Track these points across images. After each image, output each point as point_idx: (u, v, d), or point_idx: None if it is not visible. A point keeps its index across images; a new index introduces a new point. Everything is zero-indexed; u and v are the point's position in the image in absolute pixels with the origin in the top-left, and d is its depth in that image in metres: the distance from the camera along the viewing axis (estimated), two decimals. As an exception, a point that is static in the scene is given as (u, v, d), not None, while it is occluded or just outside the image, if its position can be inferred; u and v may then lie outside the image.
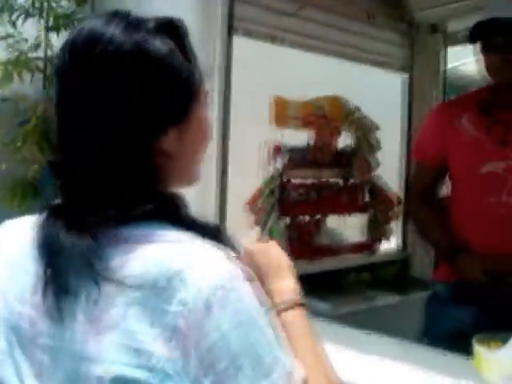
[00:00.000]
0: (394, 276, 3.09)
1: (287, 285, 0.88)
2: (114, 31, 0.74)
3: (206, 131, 0.85)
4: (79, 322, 0.72)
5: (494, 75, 1.84)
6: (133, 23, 0.75)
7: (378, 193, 3.05)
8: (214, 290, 0.69)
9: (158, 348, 0.68)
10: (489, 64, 1.82)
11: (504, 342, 1.23)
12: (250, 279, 0.73)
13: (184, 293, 0.69)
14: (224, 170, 2.32)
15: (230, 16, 2.21)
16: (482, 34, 1.81)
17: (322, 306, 2.51)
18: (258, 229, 2.76)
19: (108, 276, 0.70)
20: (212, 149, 2.33)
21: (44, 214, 0.78)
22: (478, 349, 1.22)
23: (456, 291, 1.92)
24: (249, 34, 2.48)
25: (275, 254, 0.92)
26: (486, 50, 1.83)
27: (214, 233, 0.79)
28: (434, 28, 3.19)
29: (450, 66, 3.53)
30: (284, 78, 3.11)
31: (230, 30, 2.23)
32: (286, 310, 0.85)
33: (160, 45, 0.75)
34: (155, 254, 0.72)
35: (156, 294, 0.69)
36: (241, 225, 2.78)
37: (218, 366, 0.67)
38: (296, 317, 0.85)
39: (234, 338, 0.68)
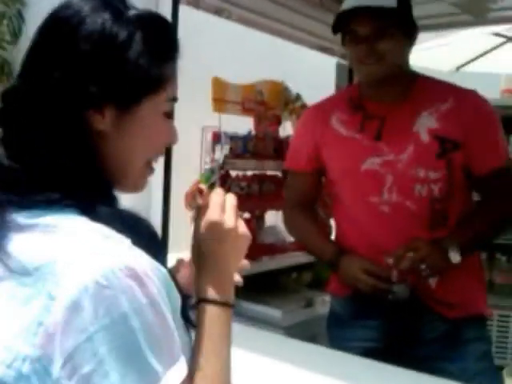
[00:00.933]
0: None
1: (223, 281, 0.84)
2: (84, 7, 0.78)
3: (155, 135, 0.83)
4: None
5: (357, 69, 1.71)
6: (106, 4, 0.79)
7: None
8: (86, 285, 0.65)
9: (20, 344, 0.66)
10: (352, 57, 1.69)
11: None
12: (134, 277, 0.67)
13: (53, 286, 0.66)
14: (168, 161, 2.00)
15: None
16: (344, 25, 1.65)
17: (271, 312, 2.27)
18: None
19: None
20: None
21: None
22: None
23: (350, 305, 1.77)
24: (195, 4, 2.17)
25: (238, 251, 0.87)
26: (347, 42, 1.68)
27: (136, 227, 0.77)
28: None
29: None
30: (226, 56, 2.84)
31: (177, -2, 1.90)
32: (211, 304, 0.82)
33: (119, 29, 0.78)
34: (39, 242, 0.70)
35: (28, 284, 0.68)
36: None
37: (82, 370, 0.64)
38: (217, 316, 0.82)
39: (102, 341, 0.64)
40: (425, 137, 1.66)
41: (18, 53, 3.09)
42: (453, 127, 1.64)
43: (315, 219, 1.93)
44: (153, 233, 0.81)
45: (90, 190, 0.76)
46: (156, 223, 1.04)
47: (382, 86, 1.68)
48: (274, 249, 2.70)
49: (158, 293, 0.69)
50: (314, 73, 3.12)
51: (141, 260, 0.70)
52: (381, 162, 1.67)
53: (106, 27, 0.77)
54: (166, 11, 1.94)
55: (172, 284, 0.75)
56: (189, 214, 2.51)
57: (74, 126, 0.77)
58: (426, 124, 1.66)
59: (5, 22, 3.03)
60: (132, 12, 0.81)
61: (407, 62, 1.72)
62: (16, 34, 3.06)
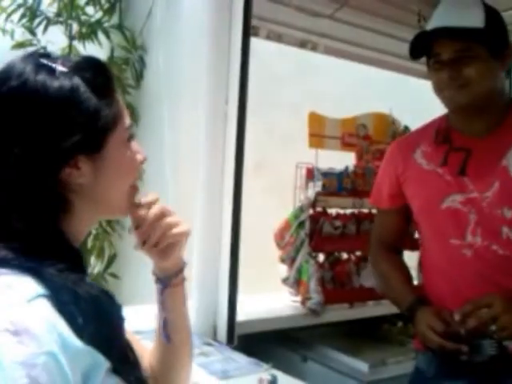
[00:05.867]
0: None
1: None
2: (25, 69, 0.79)
3: (128, 166, 0.88)
4: None
5: (439, 96, 1.50)
6: (41, 64, 0.80)
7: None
8: None
9: None
10: (433, 83, 1.50)
11: None
12: (13, 332, 0.66)
13: None
14: (237, 197, 1.94)
15: (247, 15, 1.85)
16: (427, 48, 1.48)
17: (357, 365, 2.06)
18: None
19: None
20: (226, 172, 1.97)
21: None
22: None
23: (433, 362, 1.55)
24: (277, 39, 2.12)
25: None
26: (430, 67, 1.50)
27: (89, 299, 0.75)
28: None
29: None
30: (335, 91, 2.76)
31: (247, 31, 1.87)
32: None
33: (61, 83, 0.79)
34: None
35: None
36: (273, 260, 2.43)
37: None
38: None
39: None
40: None
41: (141, 97, 3.29)
42: None
43: (398, 262, 1.72)
44: (104, 305, 0.78)
45: (49, 255, 0.76)
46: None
47: (470, 116, 1.50)
48: (375, 293, 2.49)
49: (39, 355, 0.66)
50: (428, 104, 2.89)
51: (31, 317, 0.68)
52: (463, 199, 1.48)
53: (49, 88, 0.78)
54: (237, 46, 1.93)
55: (81, 349, 0.71)
56: (278, 253, 2.43)
57: (46, 192, 0.78)
58: None
59: (128, 67, 3.25)
60: (64, 63, 0.82)
61: (501, 87, 1.52)
62: (138, 79, 3.27)
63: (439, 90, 1.48)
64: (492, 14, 1.44)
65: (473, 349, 1.37)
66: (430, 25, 1.46)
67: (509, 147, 1.45)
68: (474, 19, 1.40)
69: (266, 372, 1.61)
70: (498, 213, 1.43)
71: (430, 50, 1.48)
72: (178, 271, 1.00)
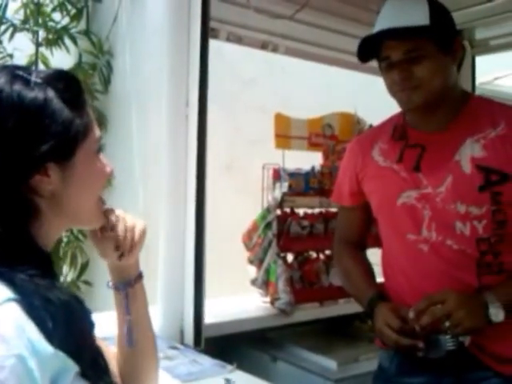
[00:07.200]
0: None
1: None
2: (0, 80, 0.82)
3: (96, 176, 0.91)
4: None
5: (394, 98, 1.50)
6: (17, 75, 0.83)
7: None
8: None
9: None
10: (387, 85, 1.50)
11: None
12: None
13: None
14: (201, 199, 1.94)
15: (205, 17, 1.86)
16: (376, 52, 1.47)
17: (326, 363, 2.07)
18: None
19: None
20: (189, 176, 1.97)
21: None
22: None
23: (395, 359, 1.57)
24: (237, 40, 2.13)
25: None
26: (382, 70, 1.50)
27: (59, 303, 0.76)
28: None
29: (484, 79, 3.10)
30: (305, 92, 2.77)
31: (205, 34, 1.87)
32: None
33: (36, 94, 0.82)
34: None
35: None
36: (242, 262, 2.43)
37: None
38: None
39: None
40: (466, 167, 1.44)
41: (109, 102, 3.28)
42: (501, 156, 1.42)
43: (360, 258, 1.72)
44: (72, 307, 0.80)
45: (18, 261, 0.77)
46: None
47: (425, 113, 1.50)
48: (345, 291, 2.50)
49: (8, 357, 0.67)
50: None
51: (2, 320, 0.69)
52: (418, 195, 1.48)
53: (25, 98, 0.80)
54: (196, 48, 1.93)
55: (51, 354, 0.72)
56: (246, 254, 2.44)
57: (16, 196, 0.81)
58: (469, 152, 1.45)
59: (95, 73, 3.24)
60: (38, 75, 0.84)
61: (454, 82, 1.51)
62: (106, 84, 3.27)
63: (393, 92, 1.48)
64: (437, 9, 1.43)
65: (429, 345, 1.37)
66: (376, 27, 1.45)
67: (462, 142, 1.46)
68: (419, 17, 1.39)
69: (229, 374, 1.62)
70: (451, 208, 1.44)
71: (378, 52, 1.47)
72: (137, 267, 1.06)
